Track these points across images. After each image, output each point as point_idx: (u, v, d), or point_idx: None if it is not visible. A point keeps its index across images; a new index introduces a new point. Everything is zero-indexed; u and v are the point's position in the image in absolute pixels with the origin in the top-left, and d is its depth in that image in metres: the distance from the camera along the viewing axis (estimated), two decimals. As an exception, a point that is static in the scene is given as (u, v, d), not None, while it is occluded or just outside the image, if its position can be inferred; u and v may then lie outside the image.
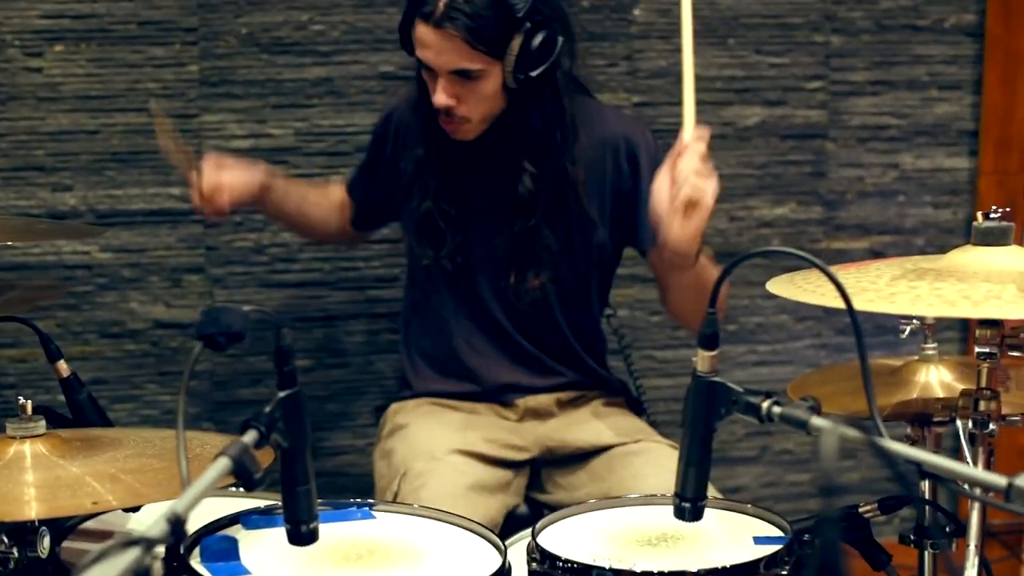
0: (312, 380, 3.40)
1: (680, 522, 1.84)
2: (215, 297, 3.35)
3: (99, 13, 3.23)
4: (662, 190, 2.38)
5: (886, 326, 2.29)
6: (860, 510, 2.12)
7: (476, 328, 2.84)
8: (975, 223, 2.04)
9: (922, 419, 2.28)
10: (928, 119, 3.70)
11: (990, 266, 1.96)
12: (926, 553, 2.25)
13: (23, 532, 1.87)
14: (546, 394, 2.83)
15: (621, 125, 2.81)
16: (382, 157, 2.92)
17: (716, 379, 1.78)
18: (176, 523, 1.41)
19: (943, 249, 2.14)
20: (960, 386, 2.28)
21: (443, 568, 1.90)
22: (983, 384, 2.03)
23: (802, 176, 3.65)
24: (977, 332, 2.00)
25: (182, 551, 1.85)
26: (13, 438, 1.95)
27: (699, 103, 3.46)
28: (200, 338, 1.61)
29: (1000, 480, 1.52)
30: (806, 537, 1.99)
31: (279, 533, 1.80)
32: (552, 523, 2.10)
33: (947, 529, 2.22)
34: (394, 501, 2.56)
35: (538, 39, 2.59)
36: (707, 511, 1.85)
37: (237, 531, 1.97)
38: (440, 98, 2.62)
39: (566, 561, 1.91)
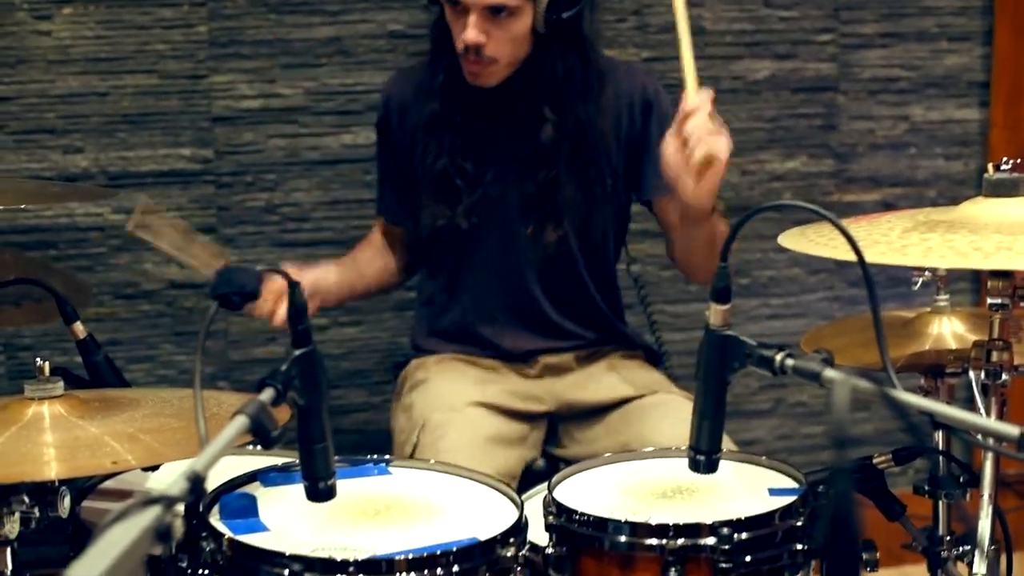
0: (327, 339, 3.41)
1: (695, 474, 1.85)
2: (228, 257, 3.36)
3: (108, -26, 3.24)
4: (673, 152, 2.38)
5: (898, 277, 2.30)
6: (874, 461, 2.13)
7: (493, 293, 2.81)
8: (986, 175, 2.05)
9: (935, 370, 2.29)
10: (938, 70, 3.69)
11: (1001, 217, 1.96)
12: (940, 503, 2.27)
13: (44, 492, 1.89)
14: (566, 353, 2.82)
15: (635, 77, 2.80)
16: (393, 145, 2.87)
17: (729, 333, 1.78)
18: (196, 481, 1.42)
19: (955, 201, 2.14)
20: (973, 337, 2.29)
21: (460, 522, 1.91)
22: (995, 335, 2.04)
23: (813, 129, 3.64)
24: (989, 283, 2.00)
25: (201, 509, 1.87)
26: (32, 399, 1.96)
27: (709, 57, 3.49)
28: (215, 298, 1.63)
29: (1013, 430, 1.53)
30: (820, 488, 2.01)
31: (297, 490, 1.82)
32: (568, 477, 2.12)
33: (961, 479, 2.24)
34: (413, 453, 2.57)
35: None
36: (722, 463, 1.87)
37: (255, 488, 1.99)
38: (471, 34, 2.56)
39: (582, 514, 1.92)
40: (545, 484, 2.08)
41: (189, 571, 1.89)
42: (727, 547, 1.86)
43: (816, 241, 2.02)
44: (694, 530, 1.88)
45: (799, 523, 1.93)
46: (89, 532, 2.18)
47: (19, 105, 3.23)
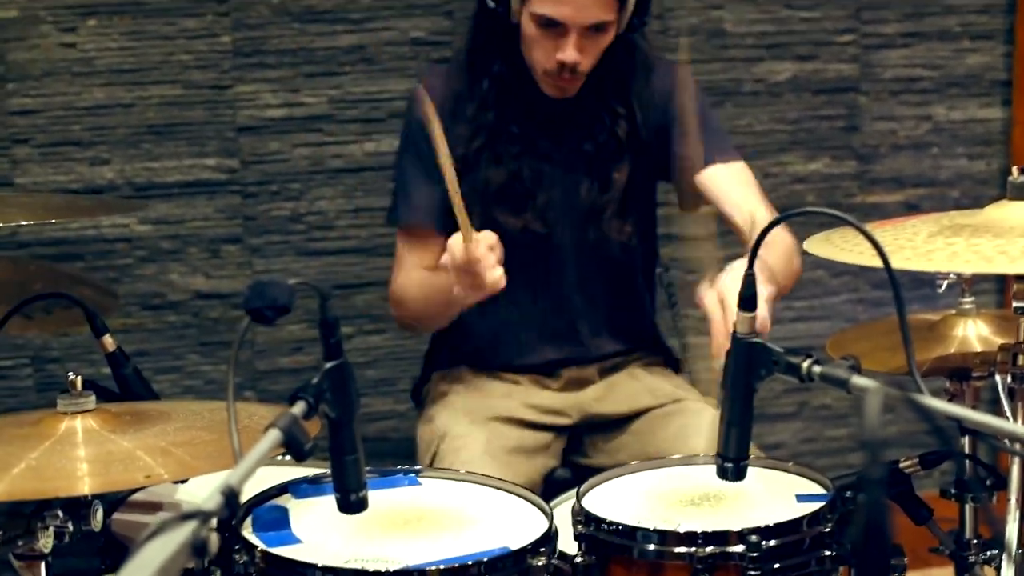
0: (352, 347, 3.43)
1: (722, 481, 1.86)
2: (254, 267, 3.38)
3: (131, -13, 3.26)
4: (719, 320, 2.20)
5: (923, 279, 2.30)
6: (901, 465, 2.14)
7: (529, 306, 2.75)
8: (1010, 178, 2.05)
9: (961, 373, 2.29)
10: (960, 70, 3.69)
11: (1026, 221, 1.97)
12: (967, 506, 2.27)
13: (77, 506, 1.90)
14: (590, 366, 2.81)
15: (669, 72, 2.77)
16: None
17: (756, 340, 1.79)
18: (231, 496, 1.43)
19: (978, 200, 2.14)
20: (998, 340, 2.29)
21: (490, 532, 1.93)
22: (1021, 339, 2.04)
23: (835, 131, 3.64)
24: (1015, 287, 2.01)
25: (234, 522, 1.88)
26: (65, 414, 1.98)
27: (730, 59, 3.50)
28: (248, 312, 1.64)
29: (1041, 435, 1.54)
30: (848, 494, 2.01)
31: (328, 501, 1.83)
32: (596, 485, 2.13)
33: (987, 482, 2.24)
34: (432, 461, 2.59)
35: None
36: (749, 470, 1.88)
37: (287, 500, 2.00)
38: (572, 54, 2.53)
39: (611, 523, 1.93)
40: (570, 492, 2.09)
41: (222, 583, 1.91)
42: (756, 554, 1.87)
43: (841, 247, 2.03)
44: (723, 538, 1.89)
45: (827, 529, 1.94)
46: (119, 544, 2.20)
47: (45, 118, 3.26)
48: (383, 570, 1.76)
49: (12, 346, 3.31)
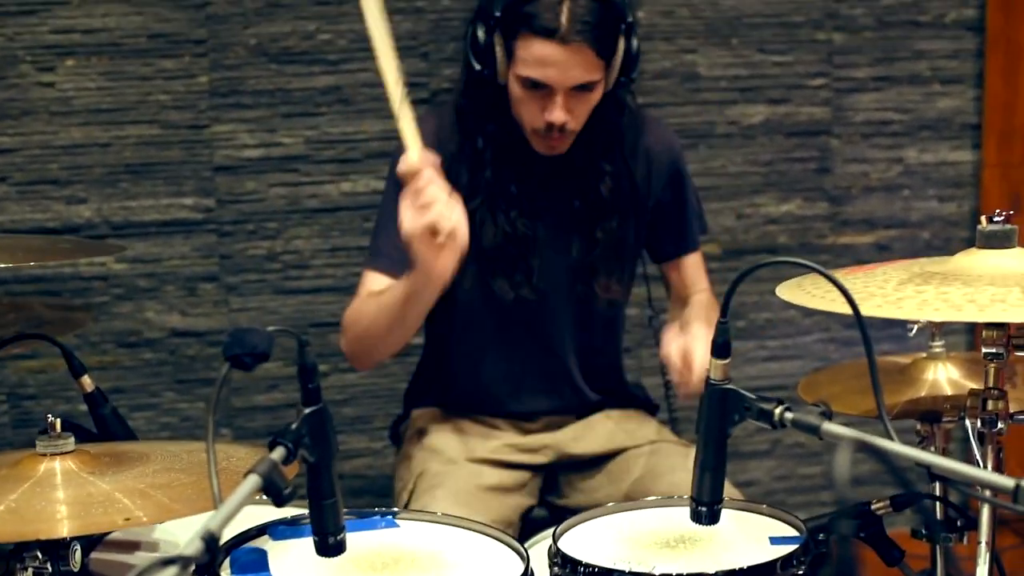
0: (328, 384, 3.44)
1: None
2: (230, 305, 3.40)
3: (109, 27, 3.27)
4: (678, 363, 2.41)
5: (893, 320, 2.33)
6: (872, 507, 2.16)
7: (521, 359, 2.76)
8: (979, 227, 2.07)
9: (931, 416, 2.31)
10: (931, 113, 3.73)
11: (995, 269, 1.99)
12: (937, 547, 2.29)
13: (56, 547, 1.91)
14: (573, 411, 2.83)
15: (663, 135, 2.82)
16: None
17: (729, 387, 1.82)
18: (210, 541, 1.45)
19: (948, 242, 2.17)
20: (968, 383, 2.32)
21: (467, 575, 1.94)
22: (991, 384, 2.07)
23: (807, 172, 3.68)
24: (984, 333, 2.03)
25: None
26: (43, 455, 1.99)
27: (704, 102, 3.53)
28: (227, 359, 1.65)
29: (1008, 481, 1.56)
30: (821, 536, 2.03)
31: (306, 543, 1.84)
32: (572, 527, 2.14)
33: (958, 523, 2.26)
34: (408, 500, 2.60)
35: (635, 39, 2.58)
36: (723, 512, 1.90)
37: (265, 542, 2.01)
38: (559, 115, 2.51)
39: (587, 565, 1.95)
40: (546, 532, 2.11)
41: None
42: (729, 597, 1.89)
43: (813, 293, 2.06)
44: (697, 580, 1.91)
45: (800, 572, 1.96)
46: (98, 584, 2.20)
47: (23, 156, 3.28)
48: (361, 613, 1.77)
49: (-13, 383, 3.33)
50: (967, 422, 2.12)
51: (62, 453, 1.99)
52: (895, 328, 2.42)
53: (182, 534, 2.26)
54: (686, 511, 1.91)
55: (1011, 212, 2.08)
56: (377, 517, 2.12)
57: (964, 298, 1.88)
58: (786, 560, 1.95)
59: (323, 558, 1.79)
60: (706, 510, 1.87)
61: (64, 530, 1.83)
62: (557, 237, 2.71)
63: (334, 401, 3.45)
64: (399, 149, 2.61)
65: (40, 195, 3.29)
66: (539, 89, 2.53)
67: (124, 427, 2.42)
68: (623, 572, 1.93)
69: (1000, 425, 2.06)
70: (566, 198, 2.70)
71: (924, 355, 2.47)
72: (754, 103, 3.62)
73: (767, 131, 3.64)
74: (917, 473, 1.75)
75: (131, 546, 2.33)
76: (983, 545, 2.09)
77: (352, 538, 1.86)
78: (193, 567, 1.43)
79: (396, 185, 2.61)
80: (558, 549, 1.99)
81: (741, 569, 1.91)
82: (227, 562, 1.95)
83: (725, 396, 1.82)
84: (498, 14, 2.53)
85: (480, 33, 2.55)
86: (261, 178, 3.38)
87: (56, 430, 2.00)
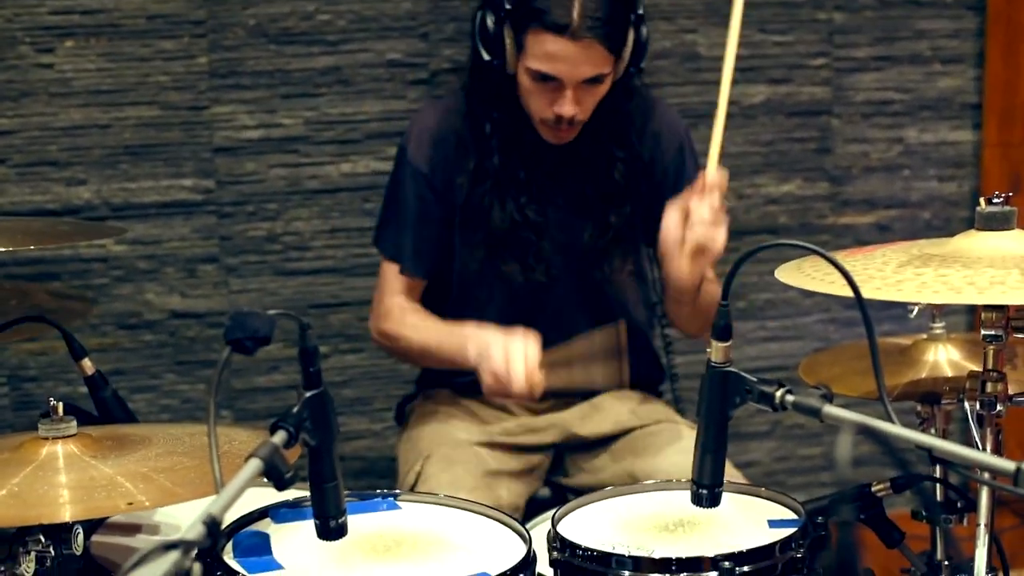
0: (328, 366, 3.44)
1: (697, 507, 1.89)
2: (230, 286, 3.40)
3: (108, 8, 3.26)
4: (674, 226, 2.42)
5: (893, 301, 2.33)
6: (873, 489, 2.16)
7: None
8: (978, 208, 2.08)
9: (932, 398, 2.32)
10: (931, 93, 3.73)
11: (994, 251, 2.00)
12: (937, 529, 2.30)
13: (58, 531, 1.91)
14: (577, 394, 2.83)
15: (672, 120, 2.84)
16: (436, 196, 2.74)
17: (730, 369, 1.82)
18: (212, 525, 1.46)
19: (948, 222, 2.17)
20: (968, 364, 2.32)
21: (469, 557, 1.94)
22: (990, 366, 2.07)
23: (808, 153, 3.68)
24: (983, 316, 2.04)
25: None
26: (46, 439, 1.99)
27: (705, 83, 3.52)
28: (229, 343, 1.66)
29: (1008, 464, 1.57)
30: (819, 519, 2.04)
31: (308, 526, 1.85)
32: (571, 511, 2.15)
33: (958, 504, 2.26)
34: (415, 482, 2.60)
35: (644, 29, 2.59)
36: (722, 495, 1.91)
37: (267, 525, 2.02)
38: (569, 108, 2.54)
39: (586, 549, 1.95)
40: (547, 513, 2.11)
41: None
42: (729, 580, 1.90)
43: (813, 275, 2.06)
44: (696, 564, 1.91)
45: (799, 555, 1.97)
46: (99, 567, 2.21)
47: (22, 138, 3.27)
48: (363, 596, 1.78)
49: (-12, 365, 3.33)
50: (966, 404, 2.12)
51: (64, 437, 2.00)
52: (896, 309, 2.43)
53: (182, 515, 2.27)
54: (685, 495, 1.92)
55: (1010, 193, 2.08)
56: (379, 499, 2.12)
57: (963, 280, 1.88)
58: (784, 543, 1.96)
59: (325, 541, 1.79)
60: (707, 492, 1.88)
61: (67, 514, 1.84)
62: (568, 222, 2.73)
63: (334, 383, 3.46)
64: (406, 131, 2.68)
65: (39, 177, 3.28)
66: (548, 82, 2.55)
67: (125, 409, 2.42)
68: (622, 556, 1.94)
69: (999, 407, 2.07)
70: (576, 185, 2.72)
71: (925, 336, 2.48)
72: (755, 83, 3.61)
73: (768, 111, 3.63)
74: (917, 455, 1.76)
75: (133, 528, 2.34)
76: (982, 526, 2.10)
77: (354, 521, 1.87)
78: (195, 551, 1.44)
79: (407, 171, 2.67)
80: (557, 533, 2.00)
81: (740, 552, 1.92)
82: (229, 546, 1.96)
83: (726, 379, 1.82)
84: (509, 6, 2.54)
85: (489, 23, 2.57)
86: (261, 159, 3.37)
87: (58, 414, 2.01)
